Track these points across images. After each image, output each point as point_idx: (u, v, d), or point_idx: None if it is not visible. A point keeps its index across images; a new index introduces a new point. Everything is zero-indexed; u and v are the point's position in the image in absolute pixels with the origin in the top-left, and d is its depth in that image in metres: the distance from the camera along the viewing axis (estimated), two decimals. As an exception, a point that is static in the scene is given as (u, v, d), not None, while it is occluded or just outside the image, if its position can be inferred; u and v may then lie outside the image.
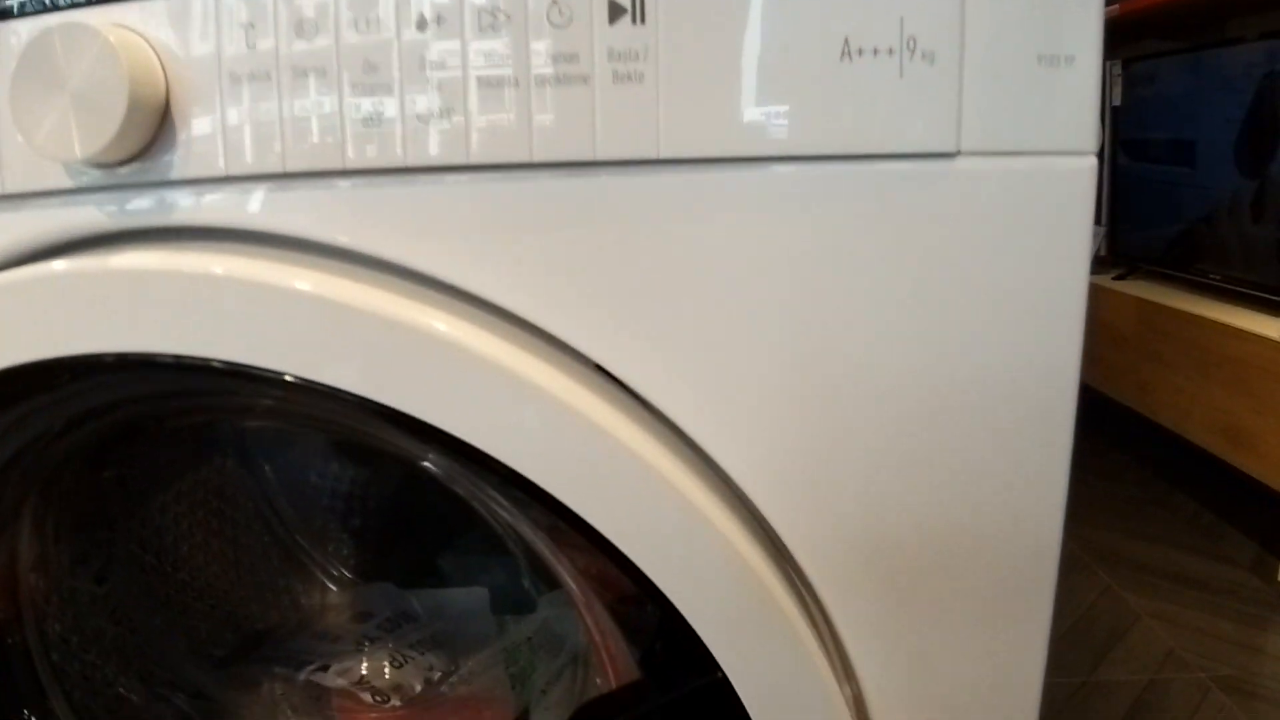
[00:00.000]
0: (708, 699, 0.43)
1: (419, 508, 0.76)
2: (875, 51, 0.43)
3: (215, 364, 0.46)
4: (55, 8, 0.47)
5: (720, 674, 0.42)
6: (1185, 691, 1.67)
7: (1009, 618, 0.48)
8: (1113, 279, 2.58)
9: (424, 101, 0.45)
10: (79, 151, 0.44)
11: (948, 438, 0.46)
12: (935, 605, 0.48)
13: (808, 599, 0.48)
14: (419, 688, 0.63)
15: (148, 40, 0.46)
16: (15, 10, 0.47)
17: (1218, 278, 2.28)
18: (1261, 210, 2.11)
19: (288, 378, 0.45)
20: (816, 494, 0.47)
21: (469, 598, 0.71)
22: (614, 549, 0.43)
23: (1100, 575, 2.06)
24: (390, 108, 0.45)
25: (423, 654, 0.66)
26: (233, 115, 0.46)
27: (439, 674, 0.63)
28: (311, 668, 0.65)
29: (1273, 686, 1.74)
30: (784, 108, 0.44)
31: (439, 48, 0.45)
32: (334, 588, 0.70)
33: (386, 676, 0.63)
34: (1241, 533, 2.25)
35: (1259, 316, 2.09)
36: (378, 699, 0.62)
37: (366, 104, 0.45)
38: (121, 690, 0.62)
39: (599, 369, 0.47)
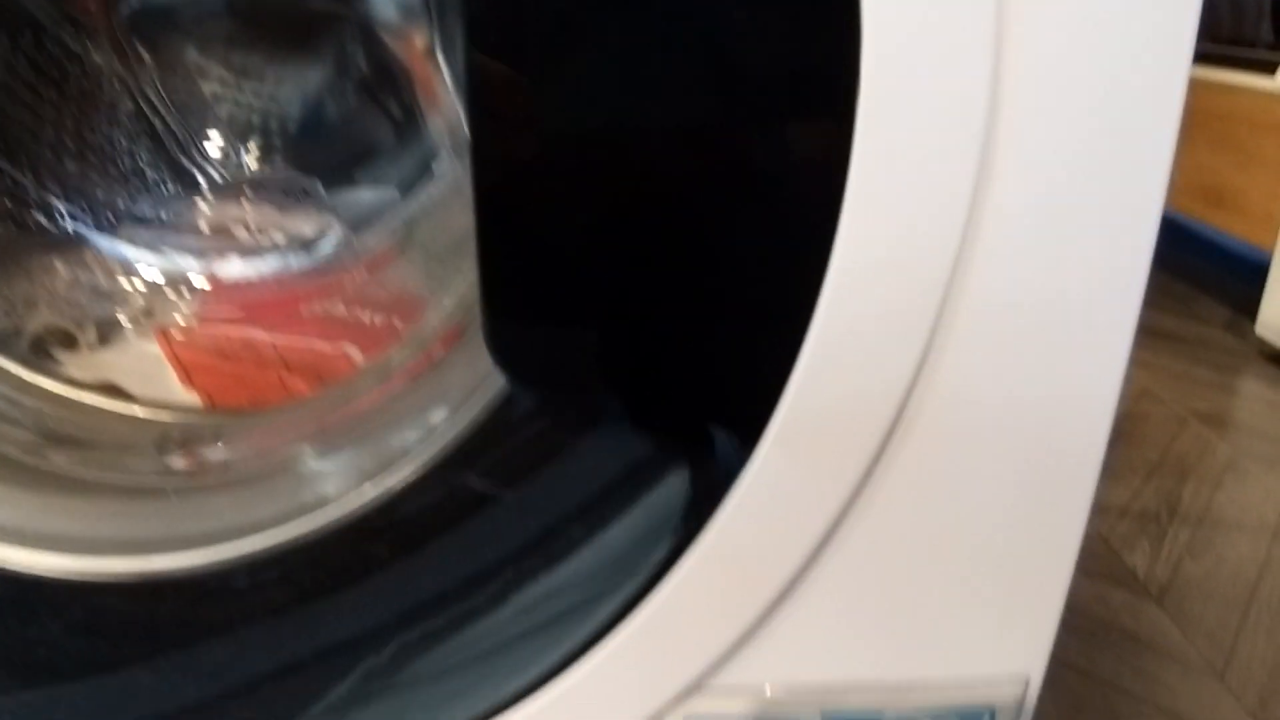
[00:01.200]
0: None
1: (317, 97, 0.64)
2: None
3: None
4: None
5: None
6: (1163, 423, 1.72)
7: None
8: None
9: None
10: None
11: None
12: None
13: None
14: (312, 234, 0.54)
15: None
16: None
17: (1206, 44, 2.24)
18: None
19: None
20: None
21: (379, 196, 0.61)
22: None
23: (1081, 327, 2.08)
24: None
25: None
26: None
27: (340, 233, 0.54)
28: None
29: (1251, 421, 1.79)
30: None
31: None
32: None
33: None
34: (1214, 300, 2.29)
35: (1247, 75, 2.06)
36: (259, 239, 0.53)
37: None
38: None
39: None
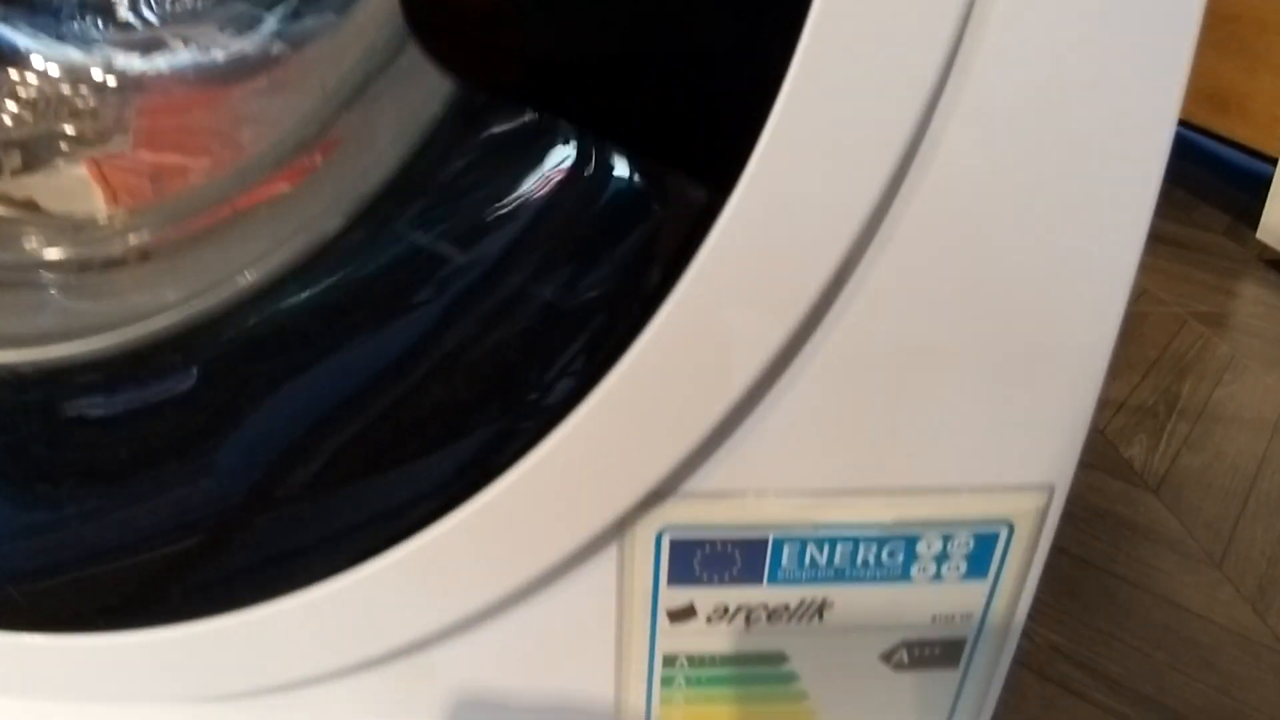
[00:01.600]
0: None
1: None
2: None
3: None
4: None
5: None
6: (1162, 322, 1.68)
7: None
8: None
9: None
10: None
11: None
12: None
13: None
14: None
15: None
16: None
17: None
18: None
19: None
20: None
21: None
22: None
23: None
24: None
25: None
26: None
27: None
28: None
29: (1251, 322, 1.75)
30: None
31: None
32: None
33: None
34: (1214, 207, 2.24)
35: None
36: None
37: None
38: None
39: None
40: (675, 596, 0.37)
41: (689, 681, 0.39)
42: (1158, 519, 1.18)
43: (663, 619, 0.37)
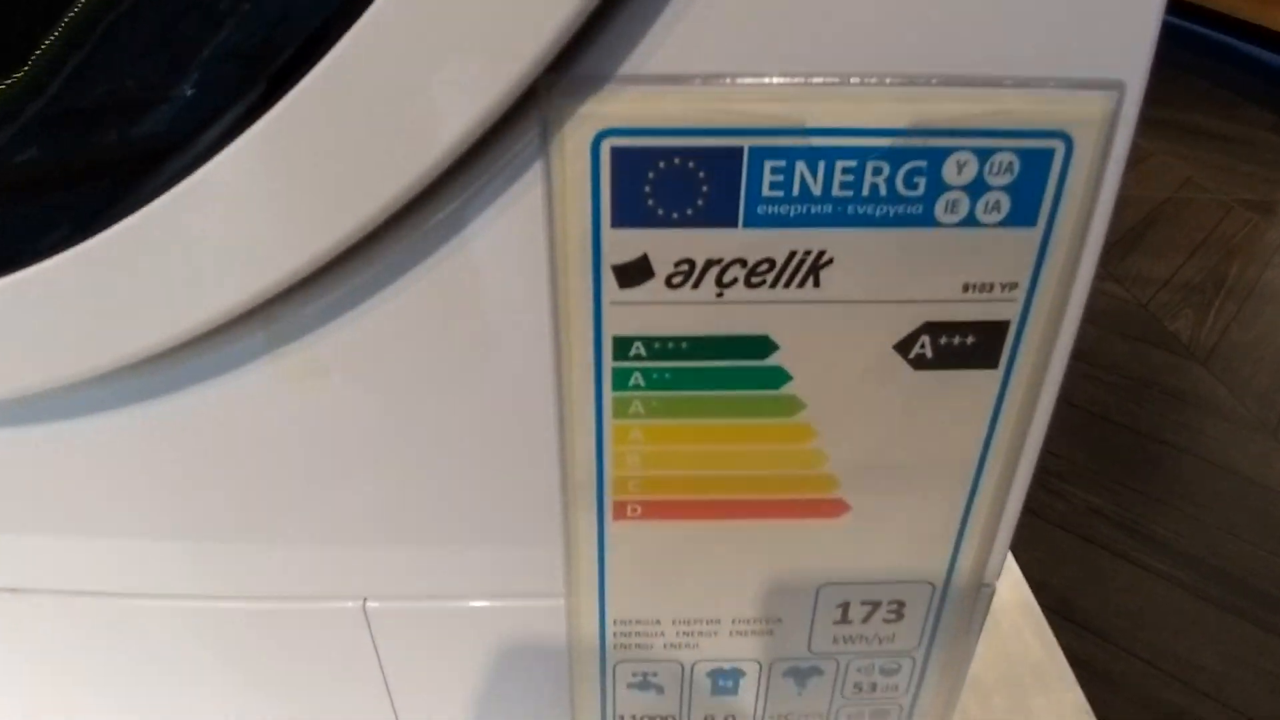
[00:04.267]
0: None
1: None
2: None
3: None
4: None
5: None
6: (1207, 208, 1.57)
7: None
8: None
9: None
10: None
11: None
12: None
13: None
14: None
15: None
16: None
17: None
18: None
19: None
20: None
21: None
22: None
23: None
24: None
25: None
26: None
27: None
28: None
29: (1299, 207, 1.64)
30: None
31: None
32: None
33: None
34: (1259, 107, 2.12)
35: None
36: None
37: None
38: None
39: None
40: (623, 244, 0.28)
41: (649, 382, 0.30)
42: (1207, 389, 1.08)
43: (609, 282, 0.28)
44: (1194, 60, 2.32)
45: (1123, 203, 0.29)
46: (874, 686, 0.40)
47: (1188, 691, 0.73)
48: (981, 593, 0.38)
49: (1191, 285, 1.30)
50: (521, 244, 0.28)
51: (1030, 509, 0.38)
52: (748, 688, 0.40)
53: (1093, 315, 0.31)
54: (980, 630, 0.40)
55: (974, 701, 0.52)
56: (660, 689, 0.40)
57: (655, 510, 0.34)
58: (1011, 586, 0.59)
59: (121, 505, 0.36)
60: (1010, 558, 0.66)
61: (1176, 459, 0.97)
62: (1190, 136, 1.88)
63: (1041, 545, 0.84)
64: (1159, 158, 1.72)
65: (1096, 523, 0.87)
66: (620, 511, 0.34)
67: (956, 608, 0.38)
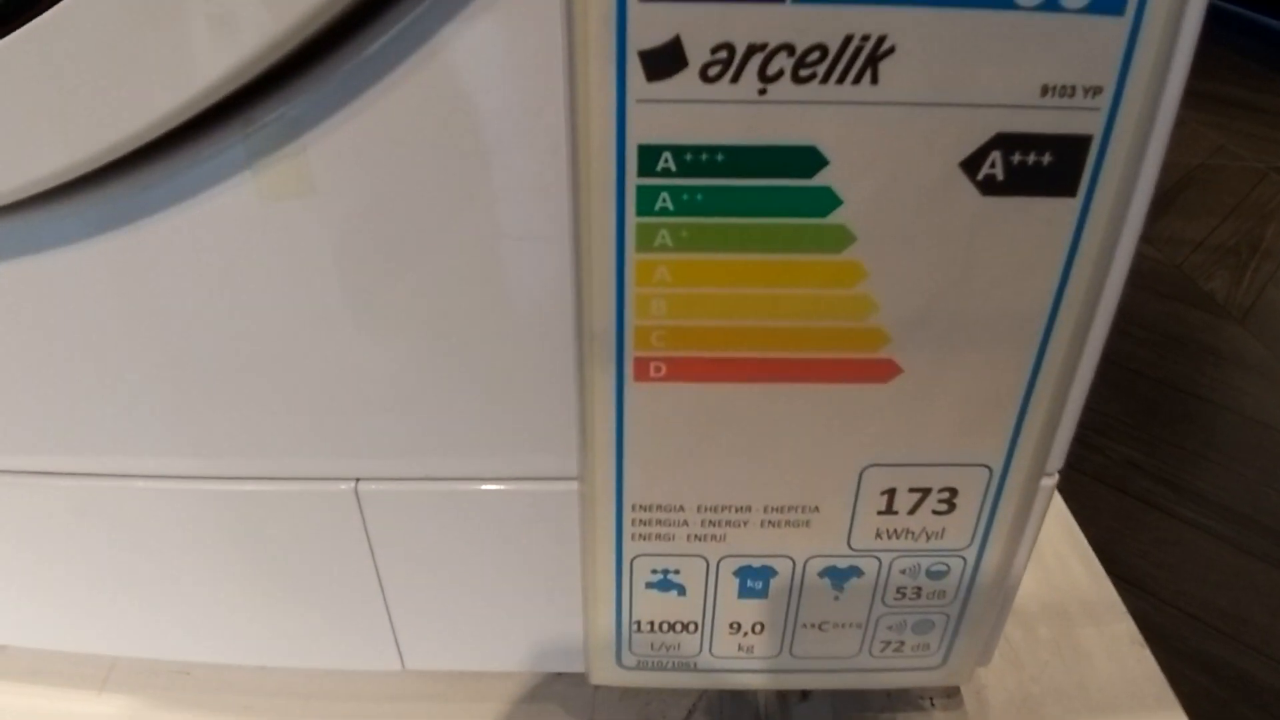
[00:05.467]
0: None
1: None
2: None
3: None
4: None
5: None
6: (1241, 174, 1.52)
7: None
8: None
9: None
10: None
11: None
12: None
13: None
14: None
15: None
16: None
17: None
18: None
19: None
20: None
21: None
22: None
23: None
24: None
25: None
26: None
27: None
28: None
29: (1336, 176, 1.59)
30: None
31: None
32: None
33: None
34: (1289, 80, 2.07)
35: None
36: None
37: None
38: None
39: None
40: (653, 22, 0.24)
41: (678, 205, 0.26)
42: (1243, 346, 1.03)
43: (635, 74, 0.24)
44: (1227, 35, 2.28)
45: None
46: (919, 592, 0.37)
47: (1231, 644, 0.69)
48: (1042, 485, 0.34)
49: (1226, 247, 1.25)
50: (533, 26, 0.24)
51: (1065, 462, 0.34)
52: (779, 590, 0.36)
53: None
54: (1038, 532, 0.36)
55: (1019, 630, 0.48)
56: (682, 589, 0.36)
57: (681, 369, 0.30)
58: (1055, 519, 0.55)
59: (96, 369, 0.32)
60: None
61: (1214, 414, 0.93)
62: (1223, 106, 1.83)
63: (1077, 498, 0.80)
64: (1191, 126, 1.68)
65: (1134, 475, 0.83)
66: (642, 370, 0.30)
67: (1014, 500, 0.34)
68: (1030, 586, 0.50)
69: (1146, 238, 1.26)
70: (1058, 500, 0.57)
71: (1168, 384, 0.95)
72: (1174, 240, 1.24)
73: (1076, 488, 0.79)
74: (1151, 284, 1.12)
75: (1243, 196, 1.41)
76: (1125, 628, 0.47)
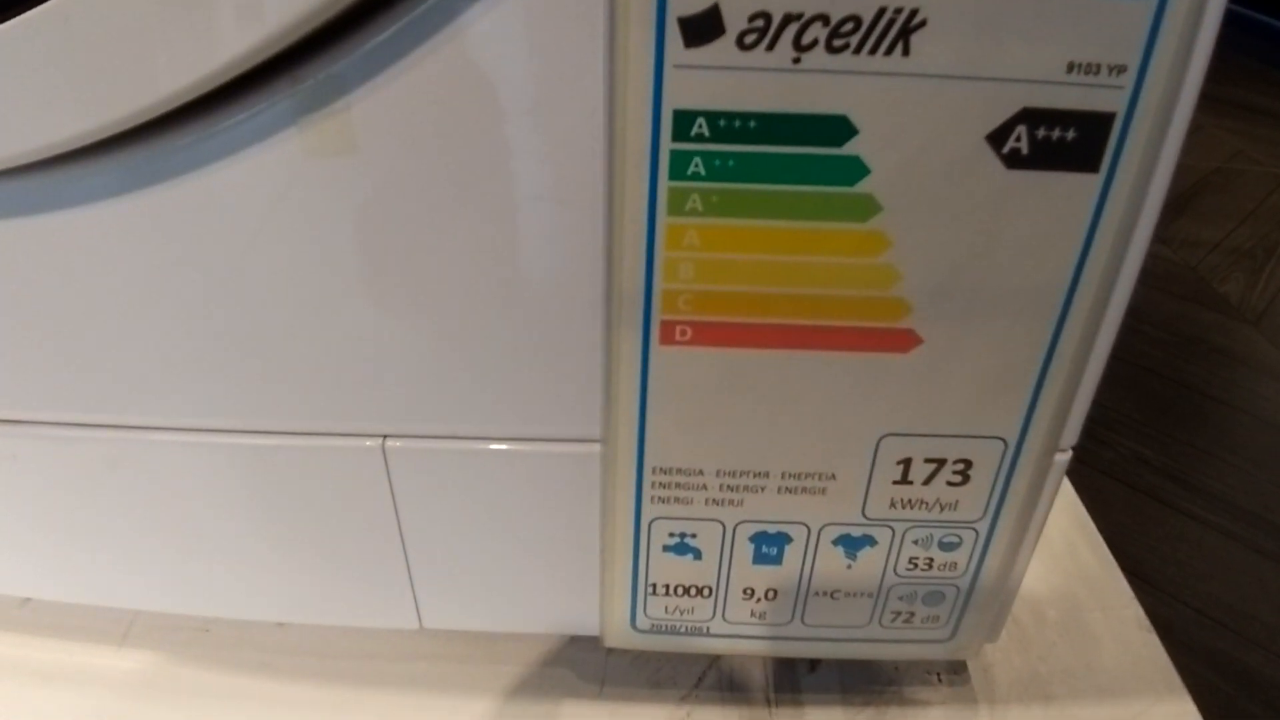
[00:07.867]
0: None
1: None
2: None
3: None
4: None
5: None
6: (1259, 179, 1.52)
7: None
8: None
9: None
10: None
11: None
12: None
13: None
14: None
15: None
16: None
17: None
18: None
19: None
20: None
21: None
22: None
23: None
24: None
25: None
26: None
27: None
28: None
29: (1354, 183, 1.59)
30: None
31: None
32: None
33: None
34: (1310, 87, 2.06)
35: None
36: None
37: None
38: None
39: None
40: (692, -12, 0.24)
41: (710, 171, 0.27)
42: (1257, 349, 1.03)
43: (673, 40, 0.25)
44: (1247, 41, 2.27)
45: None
46: (930, 563, 0.37)
47: (1238, 641, 0.69)
48: (1055, 461, 0.35)
49: (1241, 250, 1.25)
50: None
51: (1075, 455, 0.35)
52: (793, 557, 0.37)
53: (1139, 274, 0.28)
54: (1049, 509, 0.37)
55: (1027, 612, 0.48)
56: (698, 553, 0.37)
57: (706, 334, 0.31)
58: (1066, 507, 0.55)
59: (132, 323, 0.33)
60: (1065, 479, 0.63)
61: (1226, 414, 0.93)
62: (1241, 112, 1.83)
63: (1088, 491, 0.81)
64: (1209, 131, 1.67)
65: (1144, 471, 0.84)
66: (668, 334, 0.31)
67: (1027, 474, 0.35)
68: (1039, 570, 0.51)
69: (1162, 239, 1.26)
70: (1068, 488, 0.58)
71: (1180, 383, 0.95)
72: (1190, 242, 1.24)
73: (1087, 481, 0.79)
74: (1166, 285, 1.12)
75: (1260, 201, 1.41)
76: (1133, 613, 0.48)
